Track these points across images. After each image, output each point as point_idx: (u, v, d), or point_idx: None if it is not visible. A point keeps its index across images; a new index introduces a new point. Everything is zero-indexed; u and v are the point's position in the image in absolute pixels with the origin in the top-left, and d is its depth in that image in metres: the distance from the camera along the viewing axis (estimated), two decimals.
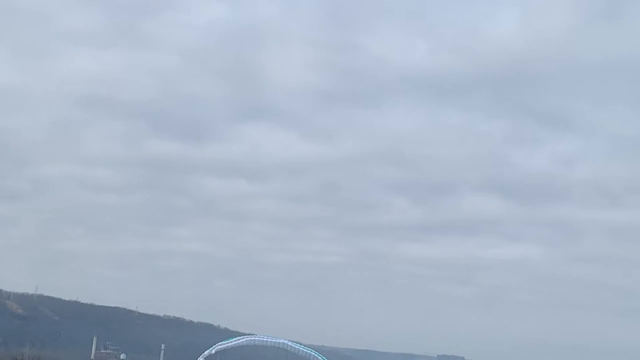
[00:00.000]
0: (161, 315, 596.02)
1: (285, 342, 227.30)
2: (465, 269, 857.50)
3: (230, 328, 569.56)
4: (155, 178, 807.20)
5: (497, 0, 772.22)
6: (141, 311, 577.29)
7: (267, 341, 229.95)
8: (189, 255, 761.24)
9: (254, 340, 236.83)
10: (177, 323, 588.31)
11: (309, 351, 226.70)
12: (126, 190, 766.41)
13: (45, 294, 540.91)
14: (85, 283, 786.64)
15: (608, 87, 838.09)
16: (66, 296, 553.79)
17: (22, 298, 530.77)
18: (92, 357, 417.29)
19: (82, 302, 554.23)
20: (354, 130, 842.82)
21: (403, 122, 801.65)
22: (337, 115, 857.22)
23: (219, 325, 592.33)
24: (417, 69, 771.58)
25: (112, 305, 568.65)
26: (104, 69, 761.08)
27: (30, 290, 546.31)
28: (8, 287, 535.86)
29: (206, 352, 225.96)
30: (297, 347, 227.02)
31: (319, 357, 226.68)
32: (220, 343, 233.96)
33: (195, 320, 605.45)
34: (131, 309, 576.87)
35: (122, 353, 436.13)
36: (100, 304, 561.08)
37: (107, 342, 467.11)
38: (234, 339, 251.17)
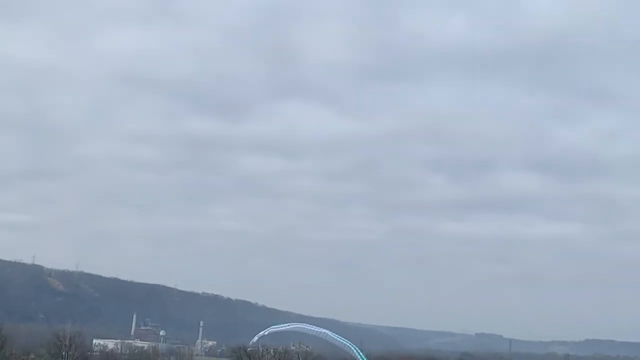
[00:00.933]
0: (200, 292, 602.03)
1: (327, 332, 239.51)
2: (504, 247, 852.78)
3: (268, 305, 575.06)
4: (194, 156, 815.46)
5: None
6: (180, 288, 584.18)
7: (311, 330, 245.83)
8: (227, 233, 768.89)
9: (304, 328, 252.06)
10: (215, 300, 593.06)
11: (346, 342, 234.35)
12: (166, 168, 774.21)
13: (86, 271, 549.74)
14: (125, 260, 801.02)
15: None
16: (106, 273, 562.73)
17: (64, 275, 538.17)
18: (132, 333, 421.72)
19: (122, 279, 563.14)
20: (392, 107, 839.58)
21: (442, 99, 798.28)
22: (376, 92, 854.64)
23: (256, 303, 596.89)
24: (457, 44, 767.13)
25: (152, 282, 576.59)
26: (144, 48, 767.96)
27: (71, 267, 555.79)
28: (50, 264, 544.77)
29: (260, 333, 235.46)
30: (336, 337, 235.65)
31: (354, 349, 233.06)
32: (273, 326, 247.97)
33: (233, 297, 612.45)
34: (170, 286, 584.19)
35: (161, 329, 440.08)
36: (139, 281, 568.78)
37: (147, 319, 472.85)
38: (286, 324, 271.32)
